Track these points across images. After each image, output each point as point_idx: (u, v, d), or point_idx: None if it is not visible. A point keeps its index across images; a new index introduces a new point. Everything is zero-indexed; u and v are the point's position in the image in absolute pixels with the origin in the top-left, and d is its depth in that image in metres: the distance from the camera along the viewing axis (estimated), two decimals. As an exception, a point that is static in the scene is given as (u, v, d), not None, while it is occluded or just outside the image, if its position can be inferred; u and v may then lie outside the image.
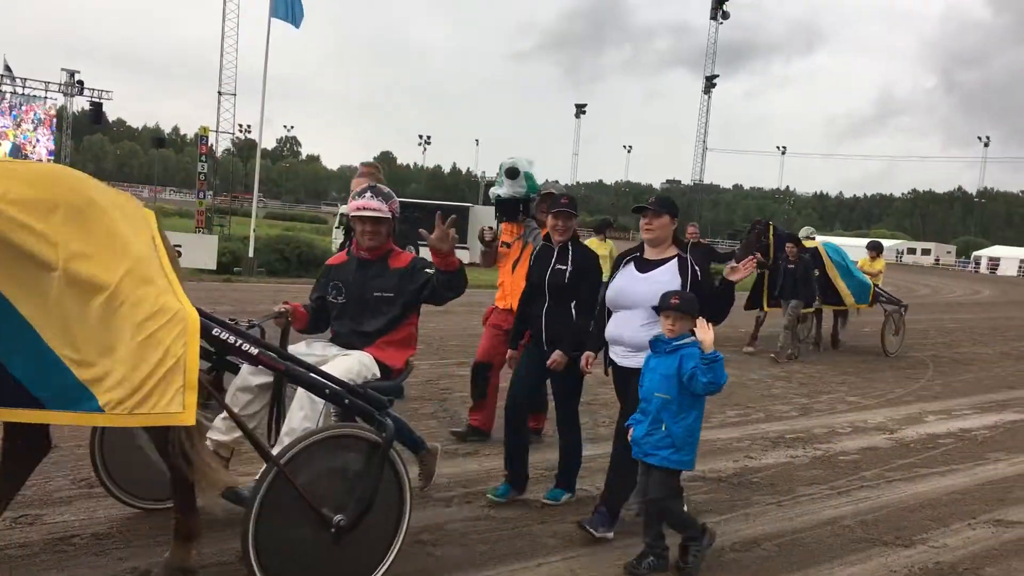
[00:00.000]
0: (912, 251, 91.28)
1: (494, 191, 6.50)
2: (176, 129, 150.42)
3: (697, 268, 4.65)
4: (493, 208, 6.86)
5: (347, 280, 4.62)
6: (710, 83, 77.26)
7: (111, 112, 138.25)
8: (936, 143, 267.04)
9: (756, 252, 12.89)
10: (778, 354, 12.33)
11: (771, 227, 13.53)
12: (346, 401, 3.92)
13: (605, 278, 14.60)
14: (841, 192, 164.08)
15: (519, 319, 5.53)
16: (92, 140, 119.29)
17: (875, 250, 15.40)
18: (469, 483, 5.56)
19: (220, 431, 4.21)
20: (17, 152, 40.77)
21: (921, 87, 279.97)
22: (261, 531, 3.46)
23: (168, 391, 3.16)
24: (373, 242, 4.58)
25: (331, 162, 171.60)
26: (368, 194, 4.63)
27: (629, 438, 4.42)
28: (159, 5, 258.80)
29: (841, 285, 13.42)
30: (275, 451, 3.71)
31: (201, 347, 3.43)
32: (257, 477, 3.60)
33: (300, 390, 4.07)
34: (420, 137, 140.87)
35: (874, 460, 6.97)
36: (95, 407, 3.10)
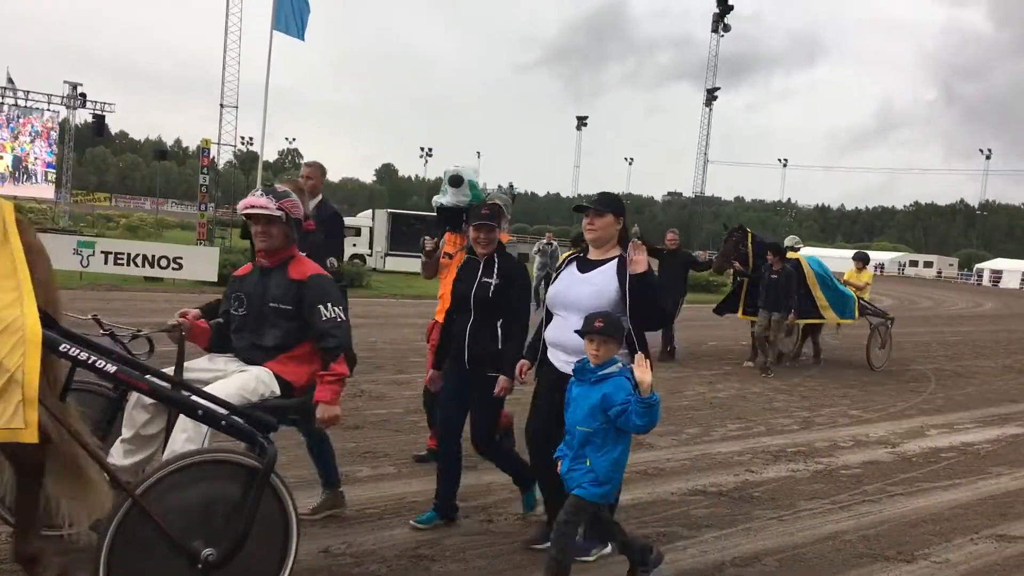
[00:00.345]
0: (914, 264, 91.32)
1: (436, 199, 6.28)
2: (178, 141, 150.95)
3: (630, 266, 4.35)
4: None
5: (248, 291, 4.32)
6: (711, 96, 77.52)
7: (113, 125, 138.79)
8: (938, 155, 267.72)
9: (734, 260, 12.83)
10: (766, 366, 12.17)
11: (749, 235, 13.21)
12: (223, 423, 3.61)
13: None
14: (843, 204, 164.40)
15: (443, 336, 5.16)
16: (95, 152, 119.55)
17: (861, 261, 15.13)
18: (467, 497, 5.51)
19: (118, 455, 3.88)
20: (19, 164, 40.86)
21: (922, 99, 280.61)
22: (115, 567, 3.18)
23: (7, 408, 2.96)
24: (264, 244, 4.23)
25: (333, 174, 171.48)
26: (259, 192, 4.35)
27: (558, 470, 4.13)
28: (162, 18, 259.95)
29: (819, 296, 12.98)
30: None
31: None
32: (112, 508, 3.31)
33: None
34: (422, 149, 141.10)
35: (876, 474, 6.93)
36: None
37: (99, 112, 43.96)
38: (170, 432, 3.79)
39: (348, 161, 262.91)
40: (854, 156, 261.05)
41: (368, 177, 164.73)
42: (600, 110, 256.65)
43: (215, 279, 19.30)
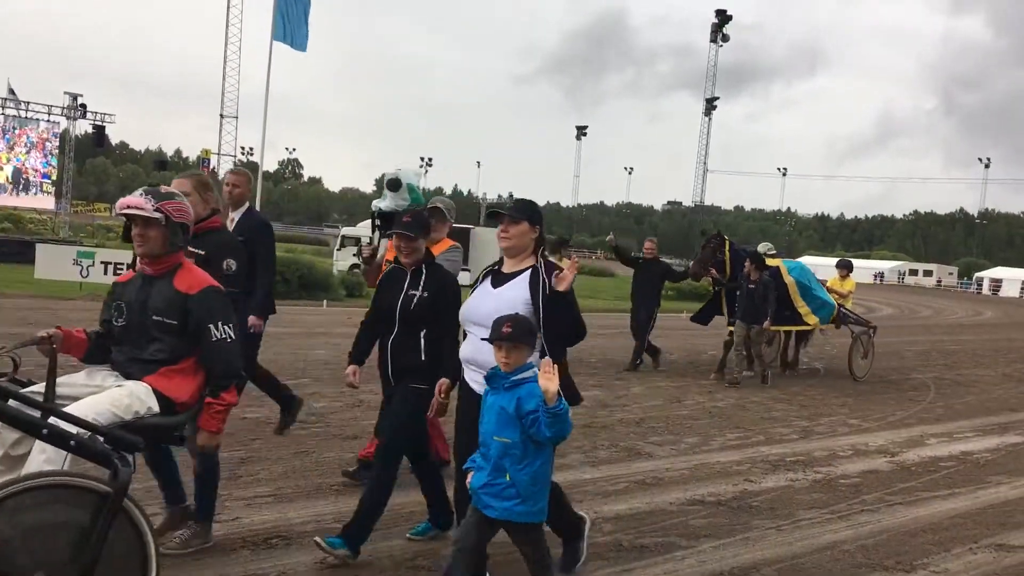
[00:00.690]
0: (914, 272, 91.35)
1: (376, 204, 6.14)
2: (179, 152, 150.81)
3: (548, 280, 4.08)
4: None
5: (129, 300, 3.97)
6: (710, 105, 77.74)
7: (114, 135, 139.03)
8: (937, 164, 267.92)
9: (711, 268, 12.59)
10: (726, 373, 11.94)
11: (727, 242, 12.92)
12: (72, 443, 3.29)
13: None
14: (842, 213, 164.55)
15: (355, 342, 4.98)
16: (95, 163, 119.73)
17: (845, 269, 14.90)
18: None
19: None
20: (19, 175, 40.89)
21: (922, 108, 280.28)
22: None
23: None
24: (141, 248, 3.91)
25: (333, 184, 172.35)
26: (138, 192, 4.01)
27: (468, 483, 3.85)
28: (162, 29, 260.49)
29: (800, 303, 12.67)
30: None
31: None
32: None
33: None
34: (422, 159, 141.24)
35: (875, 483, 6.92)
36: None
37: (99, 123, 44.03)
38: None
39: (348, 171, 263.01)
40: (854, 165, 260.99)
41: (368, 187, 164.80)
42: (600, 119, 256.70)
43: (215, 289, 19.30)
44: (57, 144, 43.11)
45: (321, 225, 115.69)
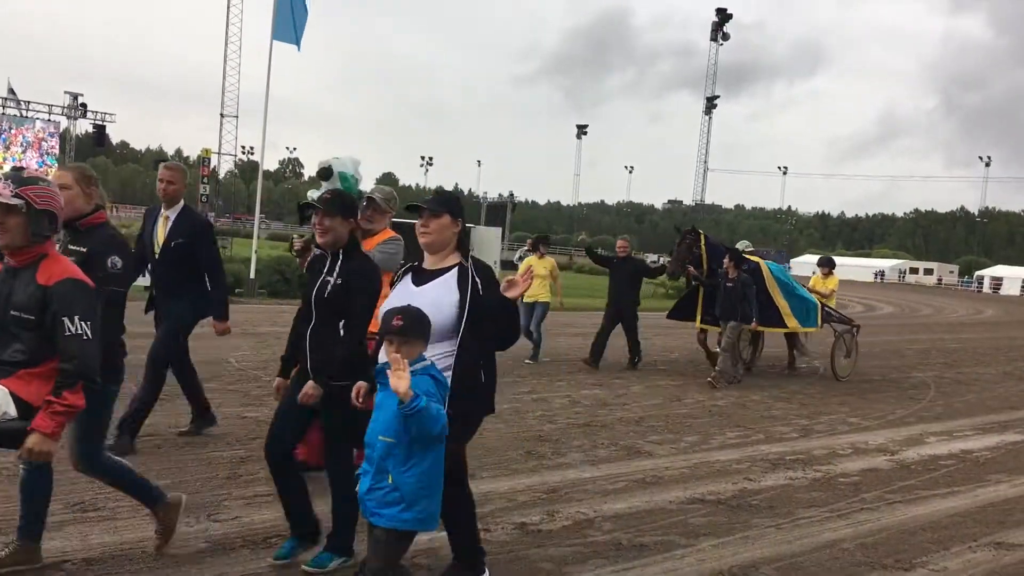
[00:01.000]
0: (915, 271, 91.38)
1: (309, 194, 5.62)
2: (179, 151, 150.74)
3: (479, 280, 3.89)
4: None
5: None
6: (711, 104, 77.74)
7: (114, 135, 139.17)
8: (938, 163, 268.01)
9: (688, 265, 12.23)
10: (715, 378, 11.34)
11: (703, 237, 12.46)
12: None
13: (537, 299, 13.74)
14: (843, 212, 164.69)
15: (289, 341, 4.60)
16: (95, 162, 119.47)
17: (827, 266, 14.44)
18: (465, 506, 5.51)
19: None
20: (19, 171, 40.90)
21: (922, 108, 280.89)
22: None
23: None
24: (2, 238, 3.61)
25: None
26: None
27: (356, 490, 3.65)
28: (162, 28, 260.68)
29: (783, 304, 12.29)
30: None
31: None
32: None
33: None
34: (423, 158, 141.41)
35: (875, 482, 6.92)
36: None
37: (100, 122, 44.12)
38: None
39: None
40: (854, 164, 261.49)
41: (368, 186, 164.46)
42: (601, 119, 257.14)
43: (215, 288, 19.31)
44: (53, 144, 43.13)
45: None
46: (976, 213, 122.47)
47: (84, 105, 43.79)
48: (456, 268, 3.95)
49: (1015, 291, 73.06)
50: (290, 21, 19.90)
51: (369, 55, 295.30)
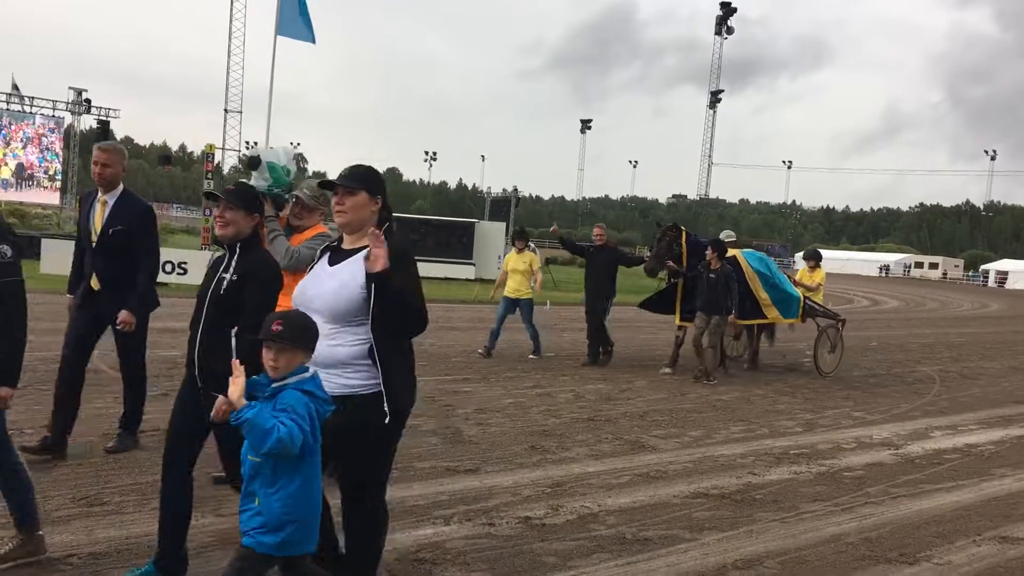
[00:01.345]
0: (920, 265, 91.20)
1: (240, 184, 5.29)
2: (183, 147, 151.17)
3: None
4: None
5: None
6: (715, 98, 77.57)
7: (118, 130, 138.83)
8: (943, 157, 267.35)
9: (668, 261, 11.89)
10: (702, 374, 11.20)
11: (683, 232, 12.14)
12: None
13: (520, 295, 13.58)
14: (848, 206, 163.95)
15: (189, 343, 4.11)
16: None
17: (814, 260, 14.19)
18: (469, 500, 5.53)
19: None
20: (22, 171, 41.01)
21: (927, 101, 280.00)
22: None
23: None
24: None
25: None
26: None
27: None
28: (166, 24, 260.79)
29: (763, 296, 12.04)
30: None
31: None
32: None
33: None
34: (426, 153, 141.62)
35: (879, 476, 6.92)
36: None
37: (104, 118, 44.13)
38: None
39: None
40: (859, 158, 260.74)
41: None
42: (605, 114, 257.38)
43: (219, 284, 19.37)
44: (54, 139, 43.21)
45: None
46: (981, 207, 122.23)
47: (88, 101, 43.84)
48: (368, 248, 3.53)
49: (1020, 285, 72.81)
50: (294, 16, 19.90)
51: (373, 50, 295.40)
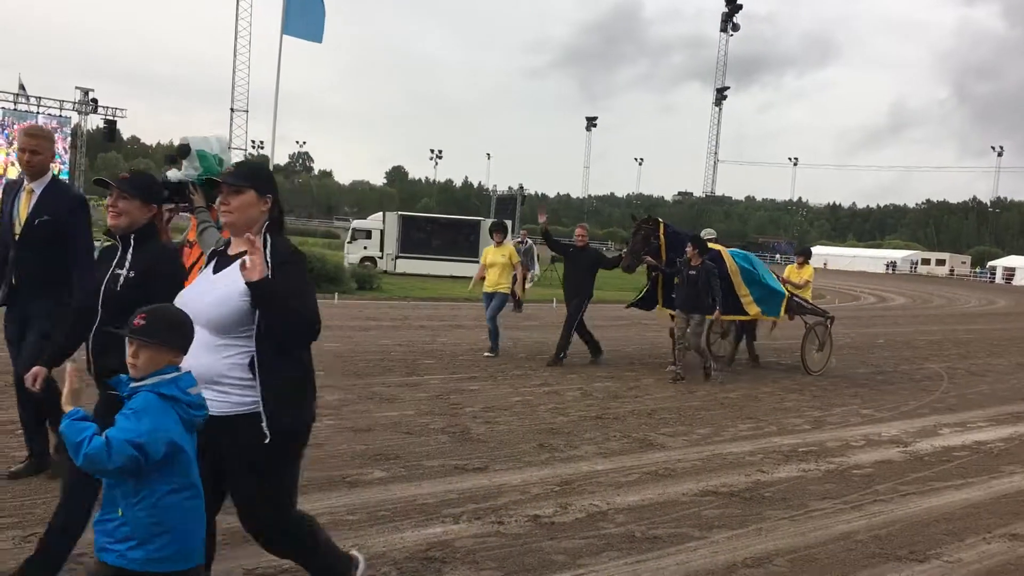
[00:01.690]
0: (927, 261, 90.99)
1: (167, 173, 4.95)
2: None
3: (268, 262, 3.22)
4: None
5: None
6: (721, 95, 77.40)
7: (125, 129, 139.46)
8: (950, 154, 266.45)
9: (646, 256, 11.59)
10: (673, 372, 11.02)
11: (661, 225, 11.82)
12: None
13: (497, 289, 13.08)
14: (854, 203, 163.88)
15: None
16: (106, 157, 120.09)
17: (803, 256, 14.10)
18: (479, 499, 5.53)
19: None
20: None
21: (935, 98, 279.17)
22: None
23: None
24: None
25: (343, 177, 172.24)
26: None
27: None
28: (173, 24, 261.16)
29: (744, 292, 11.69)
30: None
31: None
32: None
33: None
34: (432, 151, 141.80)
35: (888, 474, 6.90)
36: None
37: (111, 117, 44.29)
38: None
39: (359, 164, 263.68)
40: (866, 155, 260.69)
41: (378, 180, 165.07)
42: (611, 111, 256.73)
43: (226, 283, 19.42)
44: (58, 139, 43.32)
45: (332, 218, 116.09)
46: (988, 203, 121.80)
47: (95, 100, 44.00)
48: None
49: (1028, 281, 72.62)
50: (301, 15, 19.92)
51: (379, 48, 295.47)
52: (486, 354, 11.88)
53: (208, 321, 3.16)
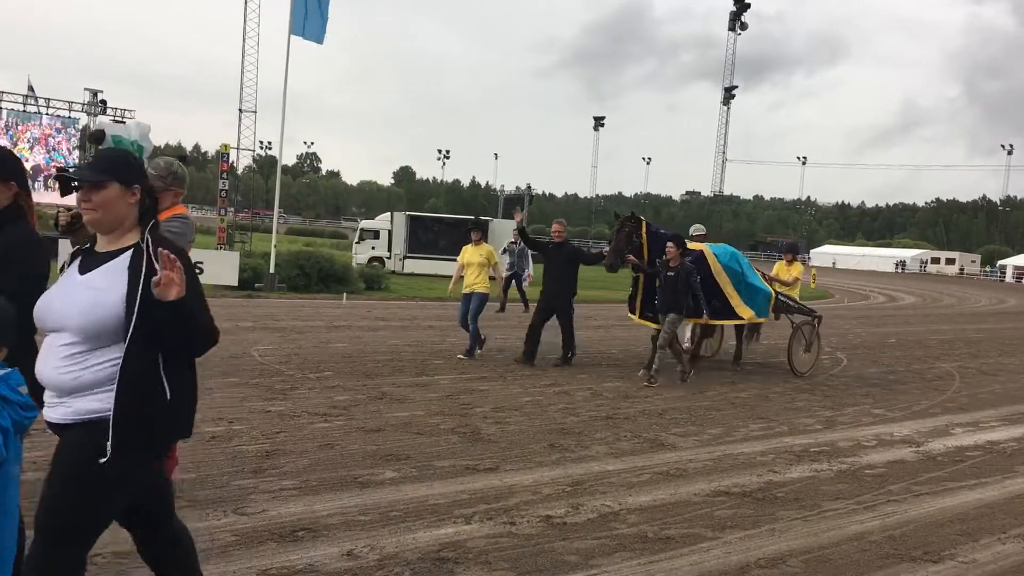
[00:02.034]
0: (936, 260, 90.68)
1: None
2: (197, 147, 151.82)
3: (155, 263, 2.88)
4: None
5: None
6: (729, 94, 77.27)
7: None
8: (959, 152, 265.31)
9: (628, 254, 11.22)
10: (645, 374, 10.62)
11: (643, 223, 11.42)
12: None
13: (474, 289, 12.66)
14: (863, 202, 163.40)
15: None
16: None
17: (791, 253, 13.81)
18: (490, 499, 5.52)
19: None
20: (37, 172, 41.24)
21: (944, 96, 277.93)
22: None
23: None
24: None
25: (351, 178, 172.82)
26: None
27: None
28: (181, 25, 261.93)
29: (731, 292, 11.38)
30: None
31: None
32: None
33: None
34: (439, 152, 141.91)
35: (901, 474, 6.87)
36: None
37: (119, 119, 44.36)
38: None
39: (366, 164, 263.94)
40: (875, 154, 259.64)
41: (386, 180, 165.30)
42: (619, 111, 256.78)
43: (235, 283, 19.45)
44: (61, 139, 43.44)
45: (339, 218, 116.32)
46: (998, 202, 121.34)
47: (104, 102, 44.05)
48: (131, 251, 2.97)
49: (1038, 280, 72.30)
50: (309, 16, 19.97)
51: (386, 49, 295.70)
52: (459, 356, 11.55)
53: (78, 327, 2.84)
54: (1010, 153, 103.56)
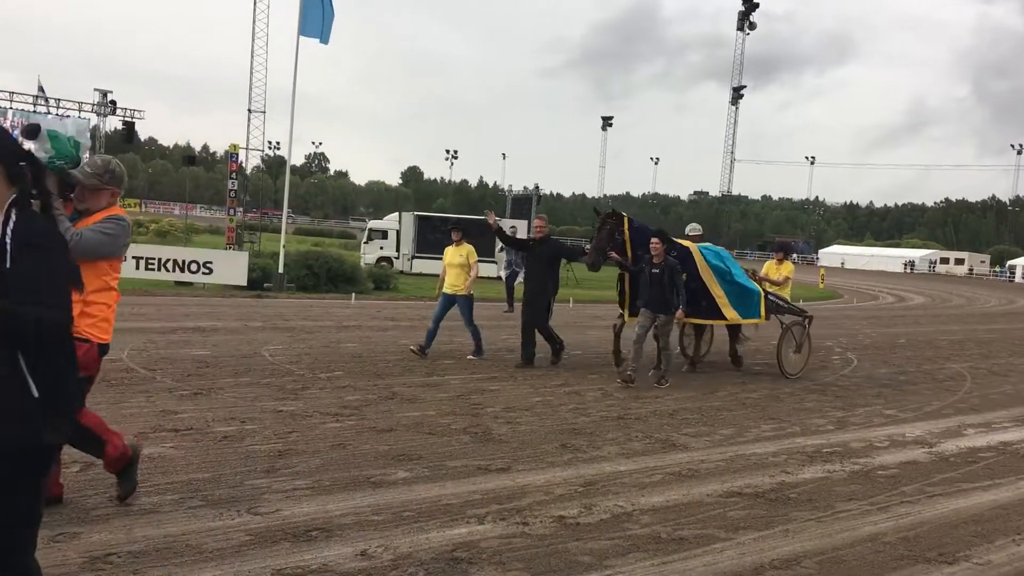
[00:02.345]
0: (945, 261, 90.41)
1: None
2: (206, 147, 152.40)
3: (7, 243, 2.52)
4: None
5: None
6: (737, 94, 77.20)
7: (143, 131, 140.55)
8: (969, 152, 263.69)
9: (611, 252, 10.98)
10: (621, 373, 10.44)
11: (626, 220, 11.19)
12: None
13: (456, 291, 12.21)
14: (872, 202, 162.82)
15: None
16: (124, 159, 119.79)
17: (781, 252, 13.62)
18: (503, 499, 5.52)
19: None
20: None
21: (953, 96, 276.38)
22: None
23: None
24: None
25: (359, 178, 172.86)
26: None
27: None
28: (190, 25, 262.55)
29: (718, 293, 11.14)
30: None
31: None
32: None
33: None
34: (447, 152, 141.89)
35: (914, 475, 6.84)
36: None
37: (129, 119, 44.55)
38: None
39: (374, 164, 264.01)
40: (884, 153, 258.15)
41: (394, 180, 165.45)
42: (627, 111, 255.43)
43: (244, 283, 19.49)
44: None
45: (348, 218, 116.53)
46: (1007, 202, 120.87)
47: (114, 102, 44.23)
48: None
49: (1048, 281, 72.00)
50: (317, 16, 20.02)
51: (394, 49, 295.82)
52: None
53: None
54: (1020, 153, 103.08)
